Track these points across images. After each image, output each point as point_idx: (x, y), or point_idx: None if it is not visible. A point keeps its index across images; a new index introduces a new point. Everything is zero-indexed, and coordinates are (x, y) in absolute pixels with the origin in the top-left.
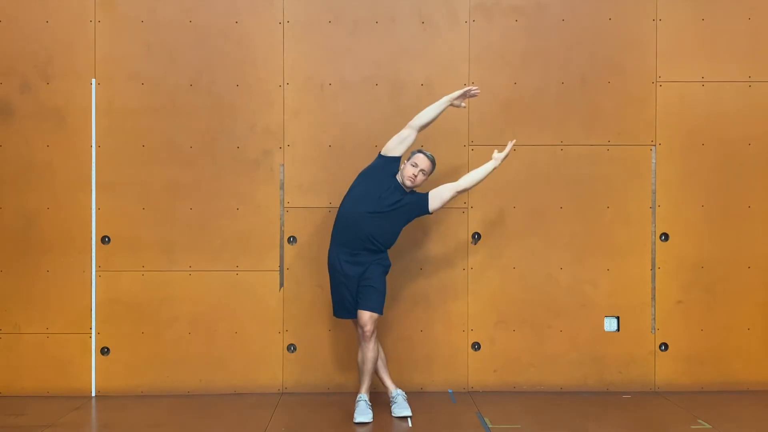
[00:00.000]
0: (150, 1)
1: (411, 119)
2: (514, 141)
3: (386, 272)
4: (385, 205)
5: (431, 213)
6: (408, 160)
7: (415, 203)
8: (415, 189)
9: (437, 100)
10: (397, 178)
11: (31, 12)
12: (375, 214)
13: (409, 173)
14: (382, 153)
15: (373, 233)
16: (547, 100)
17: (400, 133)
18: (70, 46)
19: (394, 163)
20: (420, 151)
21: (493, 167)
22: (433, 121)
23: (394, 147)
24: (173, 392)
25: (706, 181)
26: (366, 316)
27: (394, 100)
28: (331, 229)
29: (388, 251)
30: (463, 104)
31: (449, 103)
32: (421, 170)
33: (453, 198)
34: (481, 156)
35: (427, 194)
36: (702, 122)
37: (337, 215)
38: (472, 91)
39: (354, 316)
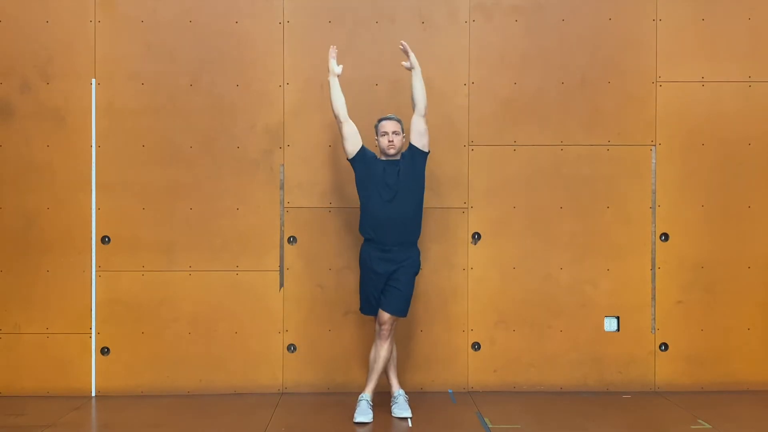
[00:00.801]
0: (150, 1)
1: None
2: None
3: (416, 273)
4: (393, 183)
5: (427, 149)
6: (376, 135)
7: (409, 158)
8: (401, 152)
9: (436, 99)
10: (381, 157)
11: (31, 12)
12: (392, 198)
13: (384, 144)
14: (349, 159)
15: (401, 215)
16: (547, 100)
17: (343, 134)
18: (70, 46)
19: (363, 155)
20: (379, 120)
21: (416, 75)
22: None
23: (350, 146)
24: (173, 392)
25: (706, 181)
26: (386, 316)
27: (395, 99)
28: (358, 229)
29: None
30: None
31: (335, 76)
32: (393, 132)
33: (425, 119)
34: (481, 156)
35: (409, 144)
36: (702, 122)
37: (362, 217)
38: (332, 54)
39: (377, 312)
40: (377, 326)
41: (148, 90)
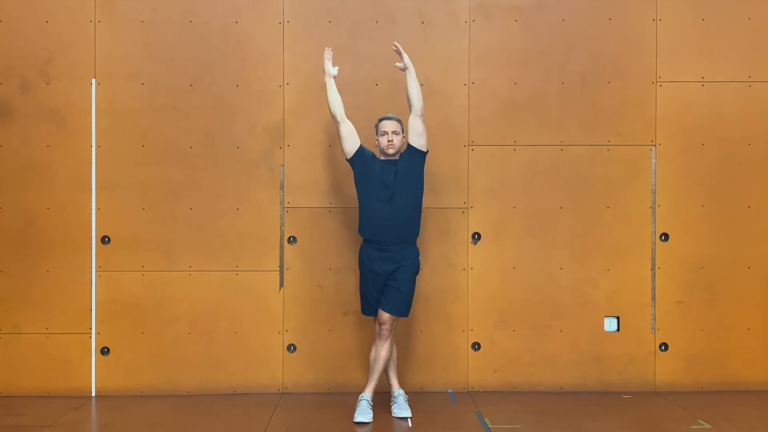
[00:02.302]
0: (150, 1)
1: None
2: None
3: (416, 273)
4: (391, 183)
5: (425, 149)
6: (376, 134)
7: (407, 157)
8: (400, 152)
9: (436, 99)
10: (380, 157)
11: (31, 12)
12: (390, 197)
13: (384, 143)
14: (348, 159)
15: (400, 215)
16: (547, 100)
17: (340, 134)
18: (70, 46)
19: (362, 154)
20: (380, 119)
21: (410, 76)
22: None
23: (349, 146)
24: (173, 392)
25: (706, 181)
26: (386, 316)
27: (394, 99)
28: (357, 231)
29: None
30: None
31: (331, 77)
32: (393, 132)
33: (422, 119)
34: (481, 156)
35: (408, 144)
36: (702, 122)
37: (360, 218)
38: (327, 55)
39: (377, 313)
40: (377, 326)
41: (148, 90)
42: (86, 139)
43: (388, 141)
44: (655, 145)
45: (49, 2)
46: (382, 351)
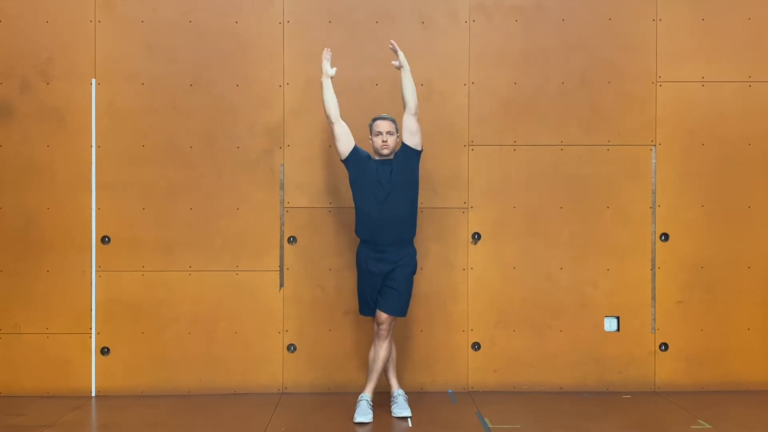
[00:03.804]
0: (150, 1)
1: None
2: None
3: (413, 273)
4: (386, 183)
5: (419, 148)
6: (371, 134)
7: (402, 157)
8: (394, 151)
9: (436, 99)
10: (375, 157)
11: (31, 12)
12: (385, 198)
13: (378, 143)
14: (342, 160)
15: (395, 215)
16: (547, 100)
17: (335, 134)
18: (70, 46)
19: (356, 155)
20: (374, 119)
21: (405, 74)
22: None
23: (343, 147)
24: (173, 392)
25: (706, 181)
26: (384, 316)
27: (394, 99)
28: (354, 231)
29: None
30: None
31: (328, 77)
32: (387, 132)
33: (416, 117)
34: (481, 156)
35: (402, 143)
36: (702, 122)
37: (357, 218)
38: (326, 56)
39: (375, 313)
40: (375, 326)
41: (148, 90)
42: (86, 139)
43: (383, 141)
44: (655, 145)
45: (49, 2)
46: (380, 351)
